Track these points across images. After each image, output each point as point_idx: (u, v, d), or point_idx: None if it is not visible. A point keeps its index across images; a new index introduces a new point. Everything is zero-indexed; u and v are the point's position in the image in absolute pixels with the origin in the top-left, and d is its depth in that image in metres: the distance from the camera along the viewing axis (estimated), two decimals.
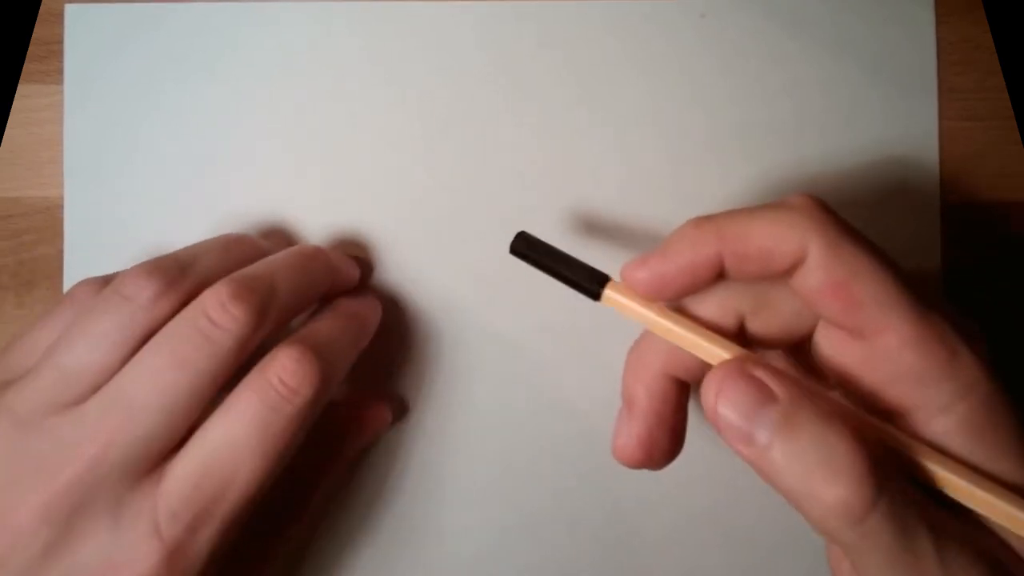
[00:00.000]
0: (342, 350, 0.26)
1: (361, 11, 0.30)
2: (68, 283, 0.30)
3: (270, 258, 0.26)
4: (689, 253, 0.21)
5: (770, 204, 0.21)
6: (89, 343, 0.23)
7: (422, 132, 0.30)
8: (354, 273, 0.29)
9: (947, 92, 0.30)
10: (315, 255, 0.27)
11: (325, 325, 0.26)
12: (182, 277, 0.24)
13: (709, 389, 0.20)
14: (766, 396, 0.19)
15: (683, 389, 0.23)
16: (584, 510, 0.30)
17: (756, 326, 0.22)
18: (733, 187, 0.30)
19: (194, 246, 0.26)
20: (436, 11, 0.30)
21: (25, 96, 0.30)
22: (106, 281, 0.25)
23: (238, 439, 0.22)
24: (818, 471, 0.18)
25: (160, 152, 0.30)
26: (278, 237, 0.30)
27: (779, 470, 0.19)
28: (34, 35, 0.30)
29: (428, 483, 0.30)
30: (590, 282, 0.22)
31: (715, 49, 0.30)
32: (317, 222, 0.30)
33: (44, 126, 0.30)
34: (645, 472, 0.23)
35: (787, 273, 0.20)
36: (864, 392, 0.21)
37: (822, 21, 0.30)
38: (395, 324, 0.30)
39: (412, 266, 0.30)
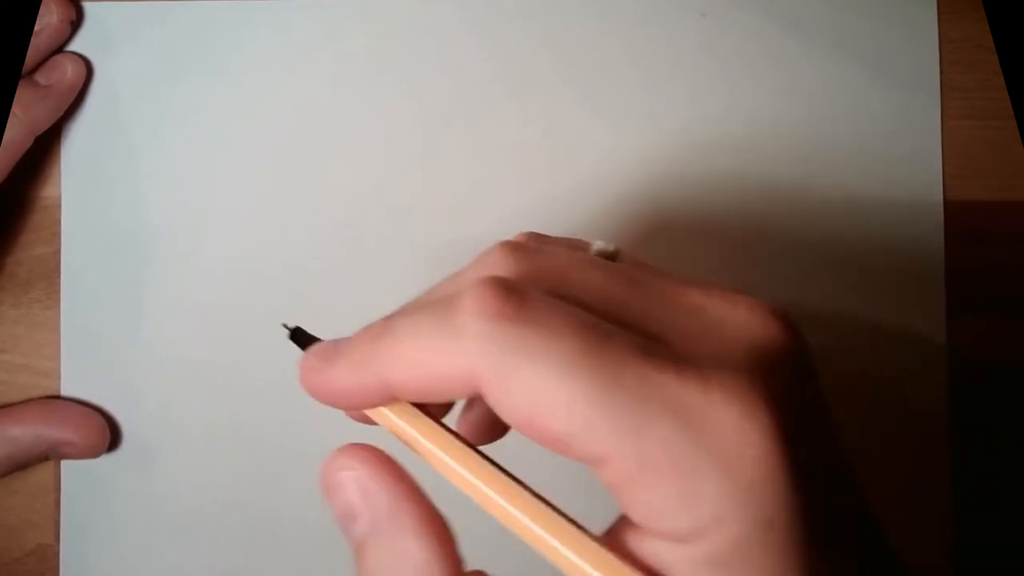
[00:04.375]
0: None
1: (364, 9, 0.30)
2: (65, 283, 0.30)
3: None
4: (357, 383, 0.18)
5: (440, 314, 0.17)
6: None
7: (424, 131, 0.30)
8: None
9: (949, 91, 0.30)
10: None
11: None
12: None
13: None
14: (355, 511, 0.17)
15: None
16: None
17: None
18: (733, 186, 0.29)
19: None
20: (438, 10, 0.30)
21: None
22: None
23: None
24: None
25: (159, 151, 0.30)
26: (277, 235, 0.30)
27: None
28: None
29: None
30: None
31: (715, 49, 0.30)
32: (319, 220, 0.30)
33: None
34: None
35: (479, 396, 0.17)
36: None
37: (822, 21, 0.30)
38: None
39: (411, 265, 0.30)
